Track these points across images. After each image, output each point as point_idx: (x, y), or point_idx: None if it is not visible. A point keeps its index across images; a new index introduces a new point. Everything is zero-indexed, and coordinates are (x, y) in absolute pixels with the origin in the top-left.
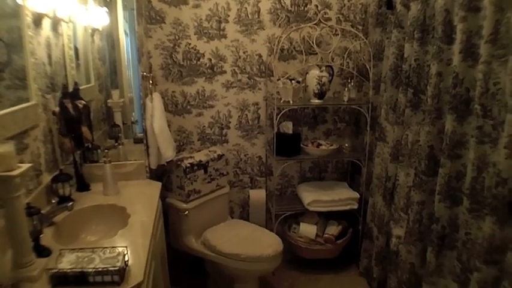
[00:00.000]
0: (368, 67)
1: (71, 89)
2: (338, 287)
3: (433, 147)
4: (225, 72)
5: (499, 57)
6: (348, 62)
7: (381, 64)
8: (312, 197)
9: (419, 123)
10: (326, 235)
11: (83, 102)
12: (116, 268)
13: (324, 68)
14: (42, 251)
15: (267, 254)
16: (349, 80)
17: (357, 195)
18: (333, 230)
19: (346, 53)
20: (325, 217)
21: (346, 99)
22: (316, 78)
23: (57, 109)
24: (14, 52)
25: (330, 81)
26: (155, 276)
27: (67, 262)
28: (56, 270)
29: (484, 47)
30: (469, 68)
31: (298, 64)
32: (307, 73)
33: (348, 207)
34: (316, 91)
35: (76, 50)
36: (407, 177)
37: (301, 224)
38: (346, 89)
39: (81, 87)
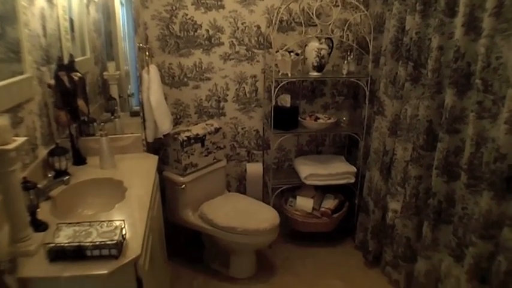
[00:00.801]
0: (368, 40)
1: (66, 61)
2: (334, 260)
3: (432, 122)
4: (222, 44)
5: (502, 31)
6: (347, 35)
7: (381, 37)
8: (308, 170)
9: (419, 97)
10: (322, 209)
11: (79, 74)
12: (114, 242)
13: (323, 40)
14: (39, 226)
15: (264, 227)
16: (348, 53)
17: (353, 169)
18: (329, 203)
19: (346, 25)
20: (321, 191)
21: (345, 72)
22: (316, 51)
23: (52, 82)
24: (8, 24)
25: (329, 54)
26: (153, 250)
27: (64, 236)
28: (54, 245)
29: (487, 20)
30: (471, 41)
31: (297, 36)
32: (306, 45)
33: (344, 181)
34: (315, 64)
35: (71, 21)
36: (405, 151)
37: (298, 197)
38: (345, 61)
39: (76, 60)
